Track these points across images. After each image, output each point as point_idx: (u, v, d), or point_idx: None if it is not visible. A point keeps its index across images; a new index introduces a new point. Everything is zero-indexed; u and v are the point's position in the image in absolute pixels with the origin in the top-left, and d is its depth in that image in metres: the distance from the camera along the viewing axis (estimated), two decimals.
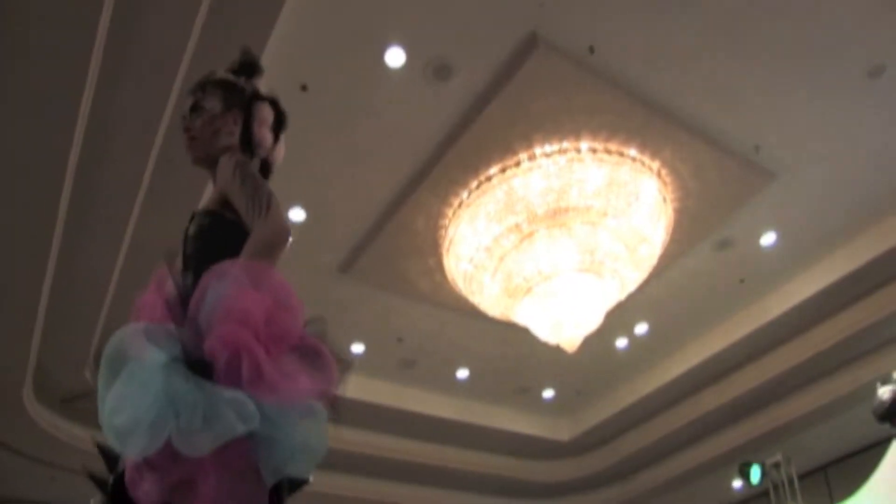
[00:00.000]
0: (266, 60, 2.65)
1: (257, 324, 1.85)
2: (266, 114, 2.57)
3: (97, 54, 4.86)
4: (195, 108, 2.53)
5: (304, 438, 1.87)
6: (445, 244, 7.78)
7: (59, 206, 5.81)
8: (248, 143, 2.52)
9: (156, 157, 5.81)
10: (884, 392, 7.90)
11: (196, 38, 5.01)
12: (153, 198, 6.12)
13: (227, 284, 1.91)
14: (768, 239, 8.55)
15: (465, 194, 7.31)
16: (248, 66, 2.64)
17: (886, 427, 8.52)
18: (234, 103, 2.53)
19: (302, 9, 5.49)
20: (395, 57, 6.07)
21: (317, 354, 1.95)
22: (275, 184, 2.52)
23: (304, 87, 6.11)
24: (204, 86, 2.57)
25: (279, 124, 2.63)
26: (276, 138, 2.63)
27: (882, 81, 6.70)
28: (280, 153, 2.65)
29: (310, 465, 1.91)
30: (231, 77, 2.60)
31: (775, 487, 9.81)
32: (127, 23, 4.83)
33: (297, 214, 7.26)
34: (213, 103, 2.52)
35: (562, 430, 11.76)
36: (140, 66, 5.17)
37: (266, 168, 2.59)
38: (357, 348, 9.18)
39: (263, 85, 2.67)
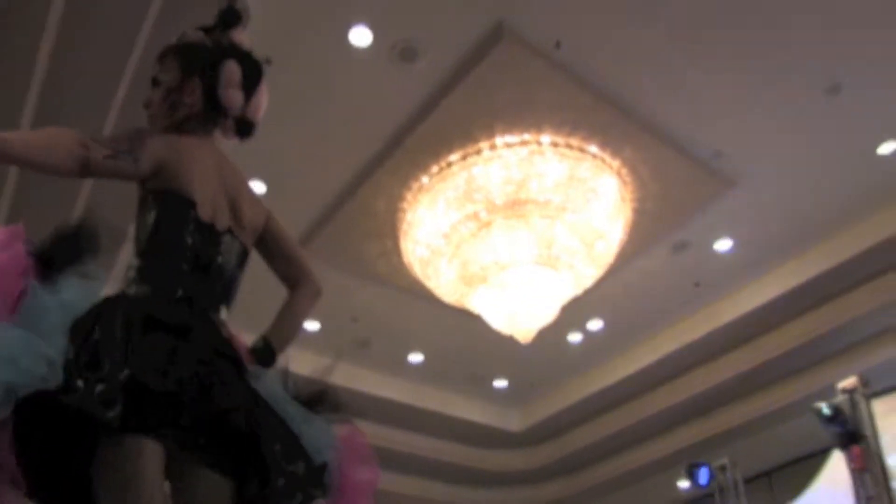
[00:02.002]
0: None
1: None
2: (230, 72, 2.45)
3: (56, 9, 4.84)
4: (154, 83, 2.47)
5: None
6: (404, 227, 7.81)
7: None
8: (214, 107, 2.45)
9: (115, 118, 5.79)
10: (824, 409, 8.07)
11: (158, 6, 4.99)
12: None
13: None
14: (724, 245, 8.66)
15: (425, 179, 7.34)
16: (226, 16, 2.54)
17: (829, 437, 8.71)
18: (194, 70, 2.44)
19: None
20: (360, 36, 6.08)
21: None
22: (234, 156, 2.53)
23: (268, 61, 6.09)
24: (163, 57, 2.50)
25: (250, 78, 2.51)
26: (251, 93, 2.52)
27: (838, 99, 6.81)
28: (258, 107, 2.55)
29: (22, 374, 1.75)
30: (195, 38, 2.51)
31: (721, 490, 9.94)
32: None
33: (256, 188, 7.23)
34: (171, 74, 2.45)
35: (513, 421, 11.85)
36: (98, 33, 5.13)
37: (245, 126, 2.53)
38: (311, 326, 9.19)
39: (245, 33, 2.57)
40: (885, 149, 7.46)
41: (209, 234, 2.30)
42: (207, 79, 2.44)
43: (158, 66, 2.49)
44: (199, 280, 2.23)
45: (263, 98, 2.57)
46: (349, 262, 8.45)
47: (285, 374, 2.34)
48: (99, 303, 2.00)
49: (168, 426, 1.90)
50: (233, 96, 2.46)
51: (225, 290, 2.33)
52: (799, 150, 7.39)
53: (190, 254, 2.23)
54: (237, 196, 2.43)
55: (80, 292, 1.99)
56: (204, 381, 1.97)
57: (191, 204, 2.26)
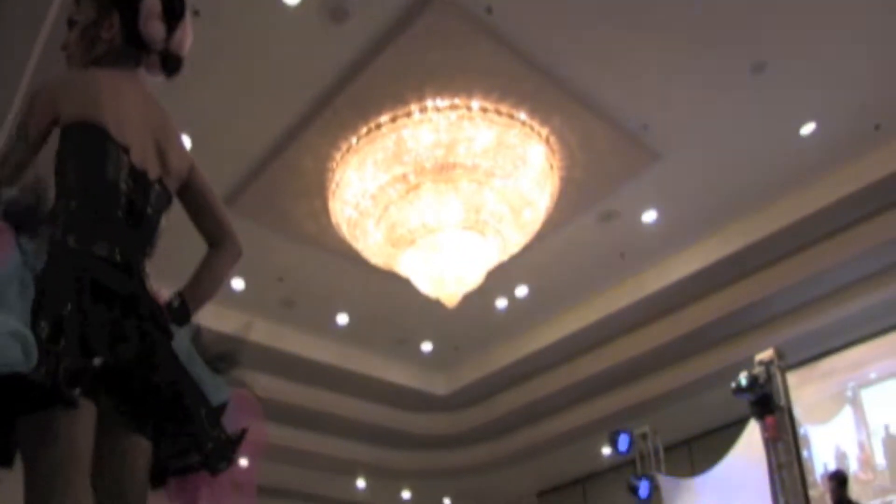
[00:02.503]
0: None
1: None
2: (151, 4, 2.34)
3: None
4: (70, 24, 2.38)
5: None
6: (332, 187, 7.77)
7: None
8: (135, 42, 2.35)
9: (35, 65, 5.64)
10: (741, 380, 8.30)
11: None
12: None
13: None
14: (650, 216, 8.78)
15: (354, 139, 7.30)
16: None
17: (746, 407, 8.97)
18: (111, 5, 2.34)
19: None
20: None
21: None
22: (165, 104, 2.43)
23: (196, 12, 5.98)
24: None
25: (172, 10, 2.40)
26: (174, 26, 2.40)
27: (763, 77, 6.94)
28: (183, 41, 2.44)
29: None
30: None
31: (641, 456, 10.21)
32: None
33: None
34: (87, 13, 2.36)
35: (438, 384, 11.93)
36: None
37: (170, 61, 2.42)
38: (237, 284, 9.12)
39: None
40: (806, 129, 7.62)
41: (141, 182, 2.21)
42: (126, 12, 2.34)
43: (75, 6, 2.40)
44: (132, 234, 2.15)
45: (188, 31, 2.46)
46: (276, 220, 8.39)
47: (197, 331, 2.30)
48: (49, 263, 1.91)
49: (104, 390, 1.90)
50: (154, 28, 2.35)
51: (151, 243, 2.25)
52: (724, 126, 7.51)
53: (125, 202, 2.16)
54: (164, 141, 2.32)
55: (34, 254, 1.92)
56: (143, 352, 1.96)
57: (124, 149, 2.19)
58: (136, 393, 1.97)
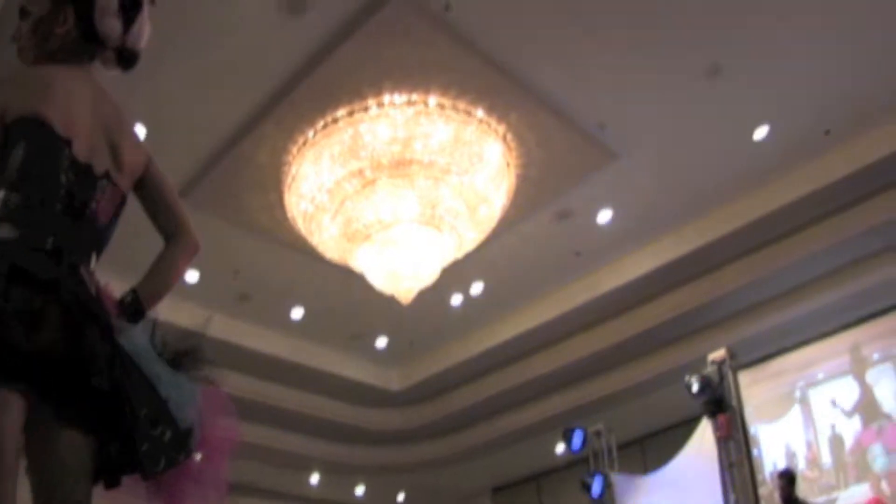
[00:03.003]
0: None
1: None
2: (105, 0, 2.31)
3: None
4: (23, 14, 2.31)
5: None
6: (288, 181, 7.73)
7: None
8: (91, 38, 2.30)
9: None
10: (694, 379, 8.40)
11: None
12: None
13: None
14: (605, 216, 8.86)
15: (310, 133, 7.28)
16: None
17: (699, 405, 9.08)
18: None
19: None
20: None
21: None
22: (115, 96, 2.38)
23: (152, 1, 5.92)
24: None
25: (132, 5, 2.34)
26: (131, 21, 2.34)
27: (718, 81, 7.05)
28: (140, 36, 2.39)
29: None
30: None
31: (595, 454, 10.28)
32: None
33: (136, 131, 7.05)
34: (40, 5, 2.30)
35: (392, 380, 11.92)
36: None
37: (126, 56, 2.38)
38: (191, 277, 9.04)
39: None
40: (759, 133, 7.74)
41: (85, 175, 2.17)
42: (81, 7, 2.29)
43: None
44: (70, 226, 2.11)
45: (145, 27, 2.41)
46: (231, 213, 8.33)
47: (153, 328, 2.28)
48: None
49: (31, 380, 1.86)
50: (109, 24, 2.31)
51: (97, 238, 2.21)
52: (679, 128, 7.60)
53: (64, 195, 2.13)
54: (117, 136, 2.28)
55: None
56: (68, 342, 1.92)
57: (66, 142, 2.16)
58: (66, 387, 1.93)
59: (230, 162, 7.66)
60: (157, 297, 2.29)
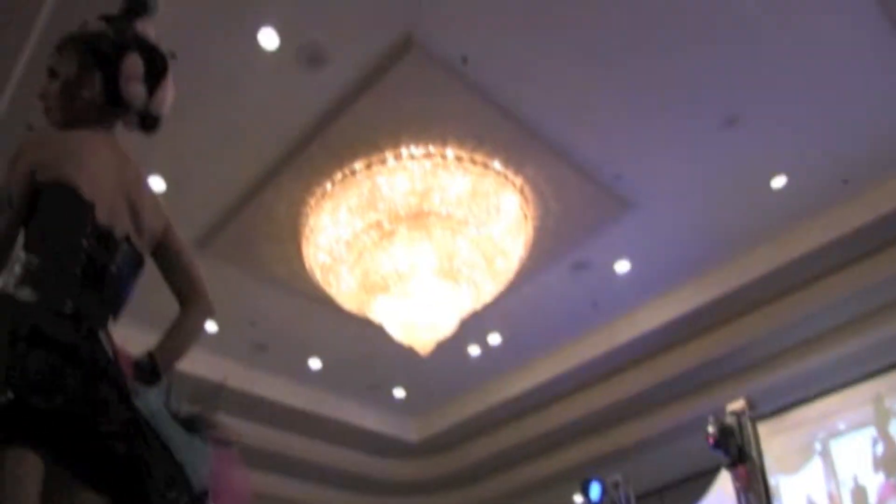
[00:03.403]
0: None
1: None
2: (132, 65, 2.35)
3: None
4: (51, 74, 2.36)
5: None
6: (306, 232, 7.76)
7: None
8: (115, 101, 2.36)
9: (7, 103, 5.64)
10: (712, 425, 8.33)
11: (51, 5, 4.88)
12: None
13: None
14: (622, 266, 8.84)
15: (328, 185, 7.32)
16: (133, 5, 2.43)
17: (718, 456, 8.99)
18: (94, 62, 2.34)
19: None
20: (268, 38, 6.03)
21: None
22: (136, 149, 2.45)
23: (173, 55, 6.00)
24: (62, 47, 2.39)
25: (154, 71, 2.41)
26: (155, 87, 2.41)
27: (735, 131, 7.05)
28: (163, 101, 2.45)
29: None
30: (96, 29, 2.40)
31: None
32: None
33: (156, 184, 7.10)
34: (69, 68, 2.34)
35: (410, 431, 11.86)
36: None
37: (149, 121, 2.44)
38: (209, 327, 9.05)
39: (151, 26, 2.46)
40: (777, 182, 7.73)
41: (106, 240, 2.20)
42: (108, 71, 2.35)
43: (57, 56, 2.38)
44: (90, 289, 2.13)
45: (169, 92, 2.47)
46: (249, 264, 8.36)
47: (168, 390, 2.29)
48: None
49: (49, 442, 1.86)
50: (134, 90, 2.36)
51: (115, 302, 2.23)
52: (696, 178, 7.61)
53: (84, 259, 2.15)
54: (138, 200, 2.33)
55: None
56: (87, 405, 1.92)
57: (89, 206, 2.19)
58: (84, 449, 1.94)
59: (249, 213, 7.70)
60: (173, 360, 2.31)
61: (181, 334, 2.42)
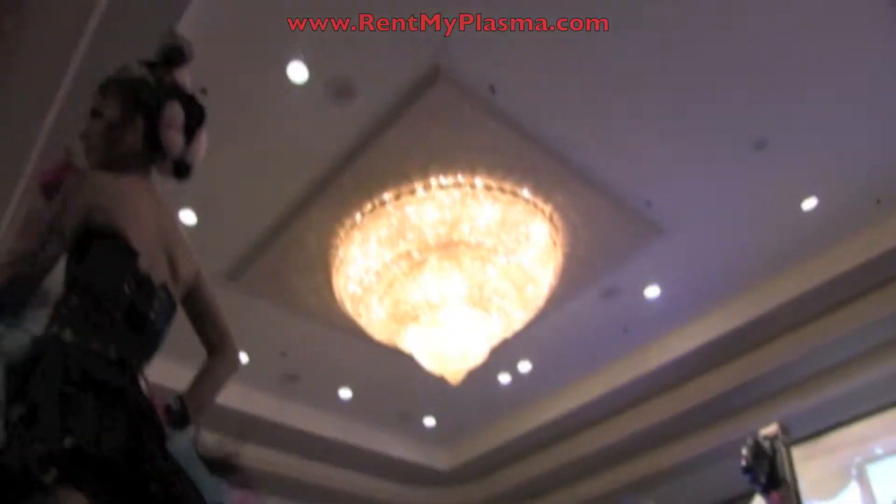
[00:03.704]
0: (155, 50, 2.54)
1: None
2: (173, 114, 2.43)
3: None
4: (95, 114, 2.42)
5: None
6: (336, 263, 7.79)
7: None
8: (154, 147, 2.43)
9: (41, 146, 5.72)
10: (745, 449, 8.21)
11: (91, 35, 4.95)
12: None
13: None
14: (653, 292, 8.80)
15: (358, 216, 7.35)
16: (170, 54, 2.51)
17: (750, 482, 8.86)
18: (137, 107, 2.41)
19: (207, 11, 5.45)
20: (297, 72, 6.09)
21: None
22: (166, 184, 2.53)
23: (203, 91, 6.05)
24: (106, 88, 2.46)
25: (193, 121, 2.50)
26: (193, 136, 2.50)
27: (765, 154, 7.01)
28: (198, 151, 2.54)
29: None
30: (139, 74, 2.47)
31: None
32: (19, 17, 4.75)
33: (187, 217, 7.17)
34: (112, 110, 2.41)
35: (441, 460, 11.81)
36: (30, 62, 5.07)
37: (183, 168, 2.51)
38: (240, 358, 9.08)
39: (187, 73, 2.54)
40: (808, 204, 7.67)
41: (146, 287, 2.26)
42: (149, 117, 2.42)
43: (100, 98, 2.45)
44: (131, 336, 2.18)
45: (203, 143, 2.56)
46: (280, 295, 8.39)
47: (196, 434, 2.32)
48: (35, 350, 1.95)
49: (94, 483, 1.88)
50: (174, 138, 2.44)
51: (152, 347, 2.29)
52: (726, 202, 7.57)
53: (125, 306, 2.19)
54: (174, 248, 2.41)
55: (14, 336, 1.97)
56: (132, 449, 1.96)
57: (134, 254, 2.23)
58: (129, 491, 1.96)
59: (279, 246, 7.74)
60: (202, 407, 2.39)
61: (210, 383, 2.51)
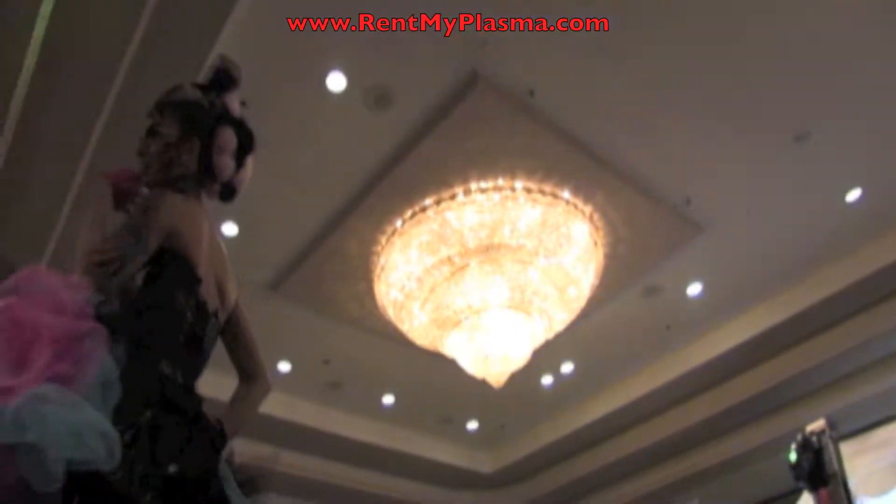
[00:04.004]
0: (205, 73, 2.63)
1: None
2: (227, 139, 2.49)
3: (27, 69, 4.85)
4: (152, 132, 2.47)
5: (58, 431, 1.69)
6: (377, 271, 7.81)
7: None
8: (206, 170, 2.47)
9: (85, 167, 5.78)
10: (792, 452, 8.14)
11: (134, 49, 5.00)
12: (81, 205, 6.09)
13: None
14: (694, 289, 8.73)
15: (398, 223, 7.36)
16: (222, 79, 2.56)
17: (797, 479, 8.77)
18: (194, 129, 2.46)
19: (246, 25, 5.48)
20: (336, 82, 6.10)
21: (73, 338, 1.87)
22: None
23: (243, 103, 6.10)
24: (163, 107, 2.50)
25: (245, 147, 2.57)
26: (242, 161, 2.57)
27: (807, 146, 6.92)
28: (245, 176, 2.61)
29: (84, 452, 1.71)
30: (195, 97, 2.51)
31: None
32: (62, 38, 4.80)
33: (229, 229, 7.22)
34: (171, 129, 2.45)
35: (484, 463, 11.82)
36: (73, 82, 5.13)
37: (229, 191, 2.57)
38: (283, 367, 9.15)
39: (237, 98, 2.59)
40: (852, 195, 7.58)
41: (202, 313, 2.32)
42: (204, 140, 2.46)
43: (158, 117, 2.49)
44: (190, 358, 2.23)
45: (250, 169, 2.63)
46: (322, 304, 8.42)
47: (231, 455, 2.36)
48: (126, 372, 1.97)
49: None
50: (226, 163, 2.50)
51: (201, 371, 2.34)
52: (768, 195, 7.50)
53: (188, 330, 2.24)
54: (223, 276, 2.46)
55: (116, 362, 2.00)
56: (208, 471, 2.06)
57: (197, 280, 2.26)
58: None
59: (320, 254, 7.76)
60: (235, 431, 2.40)
61: (245, 409, 2.54)
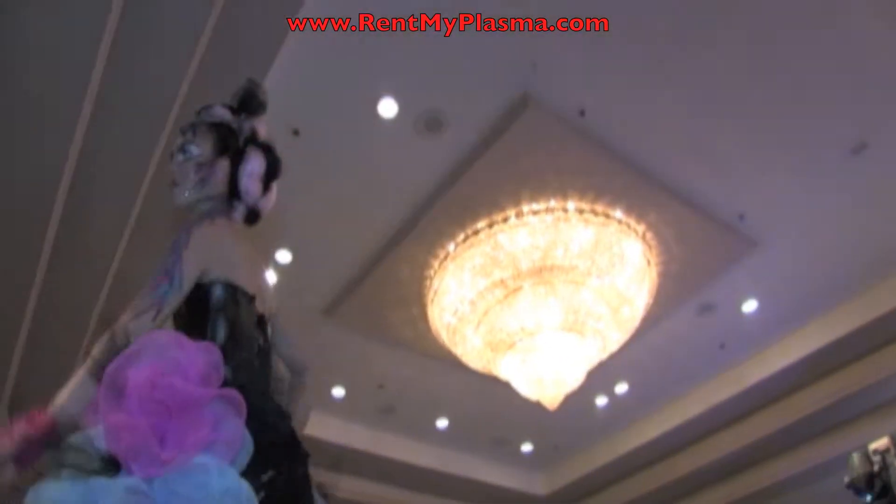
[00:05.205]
0: (234, 95, 2.67)
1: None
2: (257, 164, 2.52)
3: (90, 97, 4.94)
4: (183, 150, 2.50)
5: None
6: (430, 295, 7.83)
7: (44, 240, 5.90)
8: (234, 193, 2.50)
9: (144, 195, 5.86)
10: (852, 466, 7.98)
11: (189, 81, 5.08)
12: (139, 234, 6.17)
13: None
14: (750, 306, 8.63)
15: (451, 246, 7.38)
16: (251, 102, 2.59)
17: (861, 497, 8.58)
18: (225, 149, 2.49)
19: (298, 54, 5.55)
20: (387, 108, 6.15)
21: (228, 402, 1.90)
22: (262, 225, 2.63)
23: (295, 132, 6.18)
24: (196, 127, 2.53)
25: (272, 172, 2.58)
26: (268, 186, 2.58)
27: (864, 158, 6.82)
28: (270, 201, 2.61)
29: None
30: (227, 118, 2.54)
31: None
32: (121, 66, 4.89)
33: (283, 256, 7.31)
34: (203, 149, 2.48)
35: (539, 485, 11.73)
36: (131, 109, 5.21)
37: (254, 215, 2.58)
38: (337, 392, 9.19)
39: (264, 122, 2.62)
40: None
41: (260, 326, 2.38)
42: (235, 162, 2.51)
43: (191, 135, 2.52)
44: (265, 374, 2.27)
45: (274, 195, 2.64)
46: (375, 329, 8.46)
47: (321, 486, 2.40)
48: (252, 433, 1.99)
49: None
50: (254, 186, 2.53)
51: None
52: (824, 209, 7.39)
53: (259, 350, 2.27)
54: (265, 287, 2.51)
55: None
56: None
57: (252, 298, 2.30)
58: None
59: (373, 280, 7.80)
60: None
61: (298, 409, 2.59)
